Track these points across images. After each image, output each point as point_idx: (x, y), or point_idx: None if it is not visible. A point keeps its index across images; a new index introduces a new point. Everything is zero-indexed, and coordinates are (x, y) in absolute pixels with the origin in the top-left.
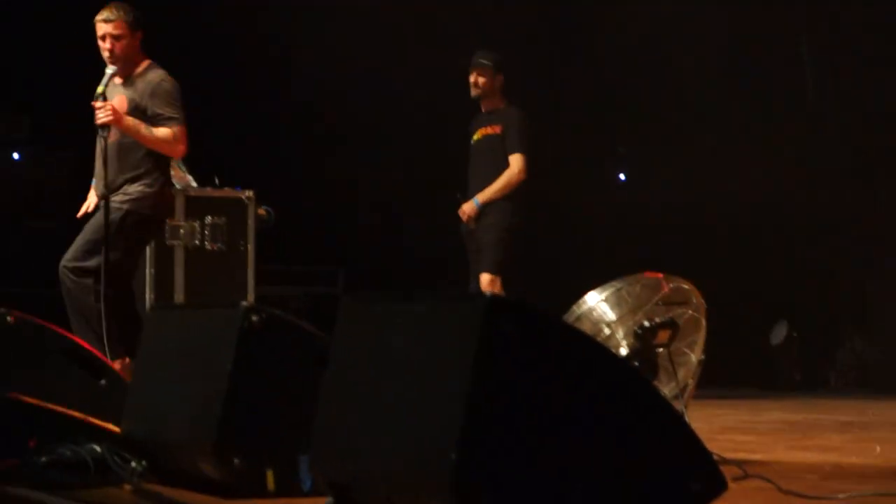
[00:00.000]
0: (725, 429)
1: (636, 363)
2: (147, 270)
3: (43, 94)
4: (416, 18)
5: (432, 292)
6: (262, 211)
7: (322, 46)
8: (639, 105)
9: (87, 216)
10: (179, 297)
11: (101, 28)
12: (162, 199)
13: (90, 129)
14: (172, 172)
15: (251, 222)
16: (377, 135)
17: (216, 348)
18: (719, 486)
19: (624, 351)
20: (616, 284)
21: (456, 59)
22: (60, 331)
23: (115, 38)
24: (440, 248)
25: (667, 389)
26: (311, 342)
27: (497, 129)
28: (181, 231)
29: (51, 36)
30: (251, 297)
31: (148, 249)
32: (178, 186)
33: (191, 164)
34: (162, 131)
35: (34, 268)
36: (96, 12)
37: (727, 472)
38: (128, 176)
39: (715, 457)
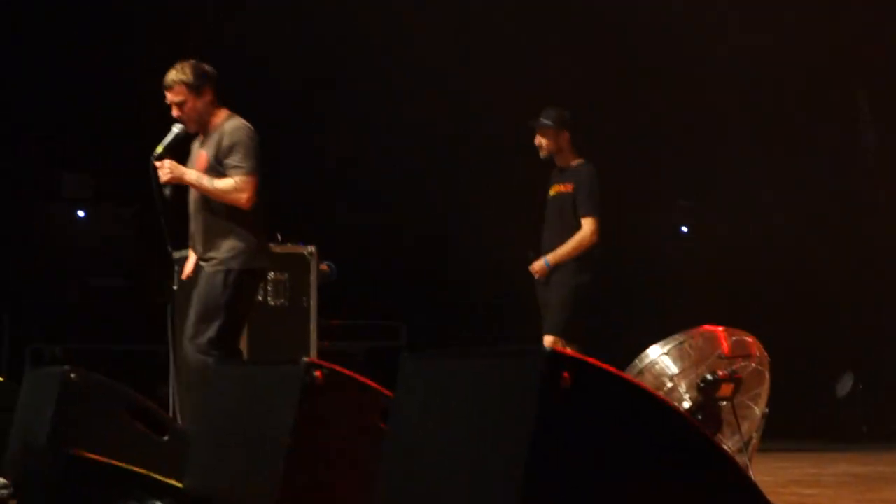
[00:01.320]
0: (790, 482)
1: (699, 417)
2: None
3: (106, 152)
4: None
5: (492, 347)
6: (324, 266)
7: (377, 101)
8: (699, 157)
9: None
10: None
11: (166, 94)
12: (257, 249)
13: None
14: None
15: (313, 278)
16: (438, 190)
17: (278, 404)
18: None
19: (687, 404)
20: (678, 338)
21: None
22: (123, 387)
23: (178, 104)
24: (505, 303)
25: (730, 443)
26: (373, 398)
27: (569, 188)
28: None
29: (113, 94)
30: (313, 352)
31: None
32: None
33: None
34: (223, 182)
35: (97, 324)
36: (159, 69)
37: None
38: (216, 233)
39: None
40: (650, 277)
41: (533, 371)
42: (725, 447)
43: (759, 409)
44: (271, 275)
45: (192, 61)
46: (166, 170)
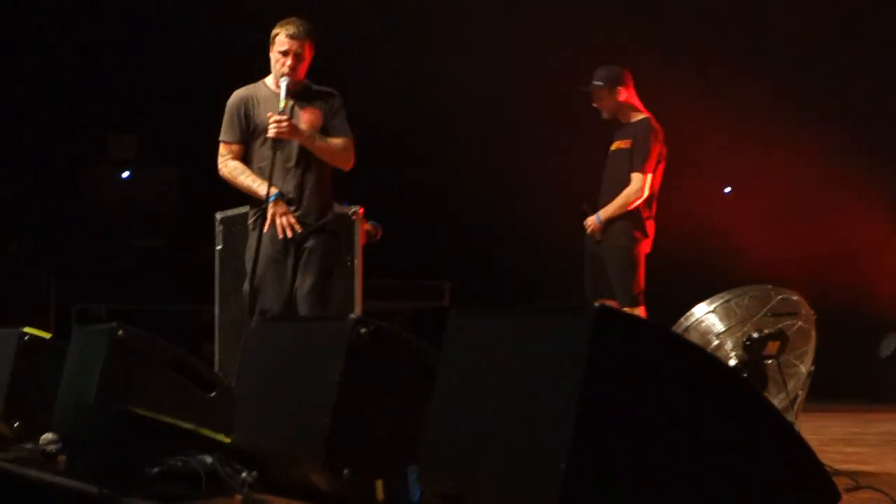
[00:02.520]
0: (834, 440)
1: (745, 374)
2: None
3: (151, 114)
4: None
5: (540, 304)
6: (369, 226)
7: (422, 59)
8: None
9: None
10: None
11: (287, 42)
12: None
13: (194, 148)
14: None
15: (358, 238)
16: (485, 147)
17: (324, 360)
18: (832, 497)
19: (733, 362)
20: (725, 296)
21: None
22: (170, 344)
23: (298, 56)
24: (549, 261)
25: (776, 401)
26: (419, 355)
27: (627, 144)
28: None
29: (158, 56)
30: (359, 311)
31: None
32: None
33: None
34: (336, 142)
35: (142, 284)
36: (203, 32)
37: (838, 483)
38: (318, 192)
39: (826, 468)
40: (695, 237)
41: (582, 327)
42: None
43: (804, 368)
44: None
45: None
46: (287, 124)
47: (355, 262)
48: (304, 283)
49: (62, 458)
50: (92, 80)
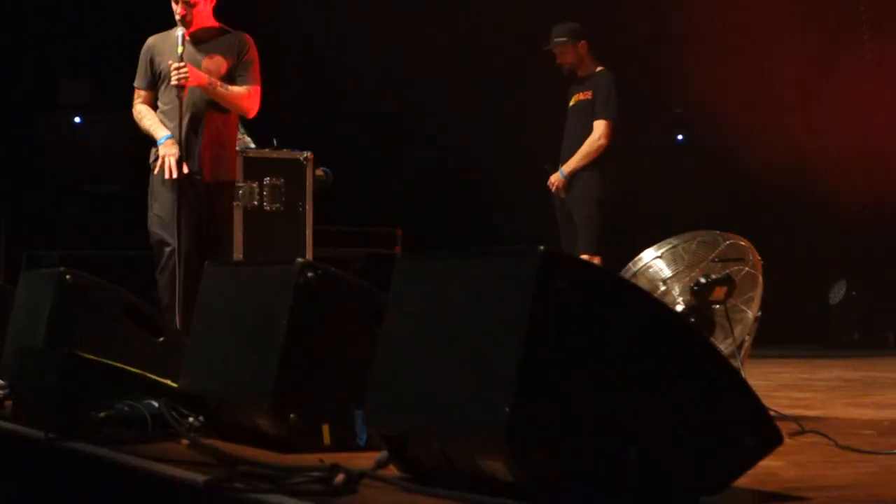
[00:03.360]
0: (783, 386)
1: (692, 320)
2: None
3: (103, 59)
4: None
5: (487, 248)
6: (319, 172)
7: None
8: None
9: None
10: (238, 256)
11: None
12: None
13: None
14: None
15: (309, 183)
16: (438, 92)
17: (272, 305)
18: (775, 440)
19: (680, 307)
20: (672, 241)
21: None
22: (119, 289)
23: (188, 4)
24: (509, 214)
25: (723, 346)
26: (368, 298)
27: (588, 95)
28: (240, 192)
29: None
30: (309, 255)
31: None
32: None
33: (249, 125)
34: (239, 89)
35: (94, 231)
36: None
37: (784, 427)
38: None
39: (771, 412)
40: (646, 184)
41: (528, 270)
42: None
43: (751, 313)
44: (267, 179)
45: None
46: (186, 71)
47: (307, 207)
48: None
49: (9, 402)
50: (42, 25)
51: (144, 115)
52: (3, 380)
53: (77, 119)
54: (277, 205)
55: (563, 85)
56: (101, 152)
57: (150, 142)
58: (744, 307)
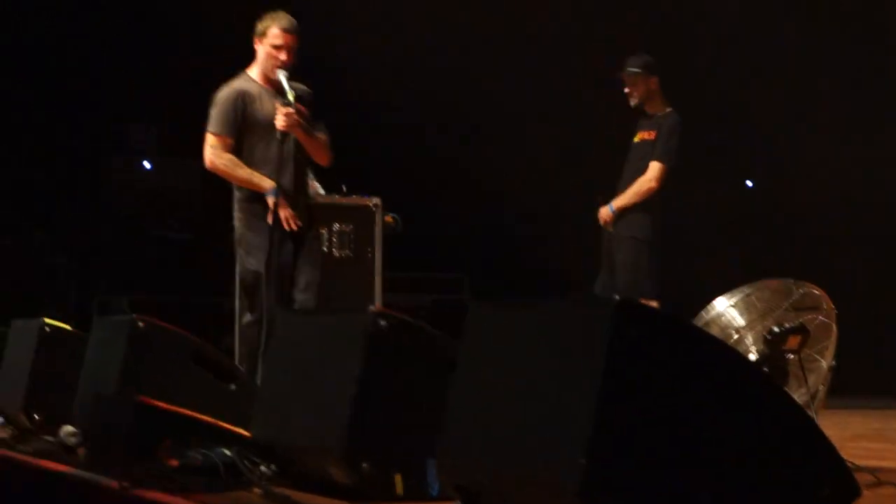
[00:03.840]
0: (857, 436)
1: (765, 369)
2: None
3: (171, 104)
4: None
5: (560, 297)
6: (388, 218)
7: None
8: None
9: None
10: None
11: (284, 37)
12: None
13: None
14: None
15: (378, 229)
16: (506, 139)
17: (345, 353)
18: (852, 492)
19: (753, 356)
20: (745, 290)
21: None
22: (190, 336)
23: (292, 51)
24: (569, 253)
25: (797, 396)
26: (439, 347)
27: (652, 136)
28: None
29: (178, 46)
30: (378, 303)
31: None
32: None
33: (318, 171)
34: (322, 136)
35: (163, 275)
36: (226, 21)
37: (859, 479)
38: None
39: (847, 463)
40: (718, 229)
41: (602, 320)
42: None
43: (825, 363)
44: (336, 226)
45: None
46: (295, 115)
47: (375, 253)
48: (301, 279)
49: (82, 450)
50: (112, 70)
51: (238, 164)
52: (76, 427)
53: (146, 164)
54: (346, 251)
55: (628, 121)
56: (170, 196)
57: (218, 186)
58: (818, 356)
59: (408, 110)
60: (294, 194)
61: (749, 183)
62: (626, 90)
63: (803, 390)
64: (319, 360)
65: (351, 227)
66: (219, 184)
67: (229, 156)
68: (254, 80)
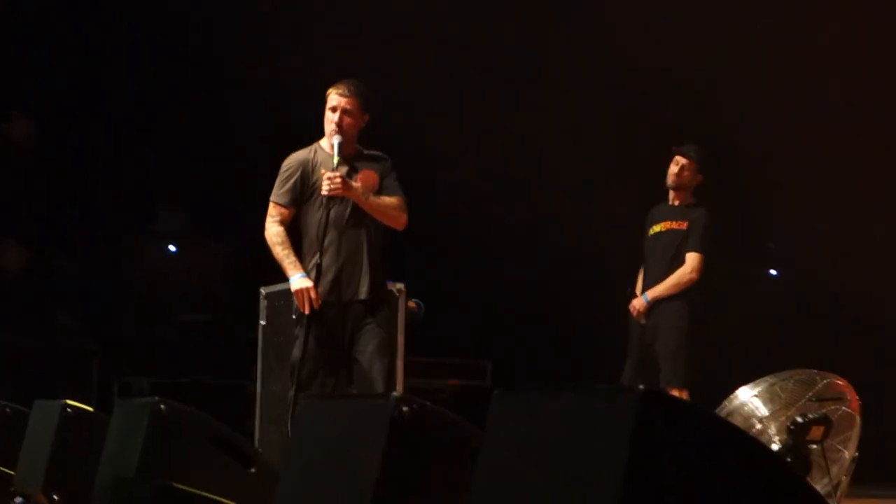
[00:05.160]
0: None
1: (789, 459)
2: None
3: (199, 190)
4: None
5: (585, 384)
6: (412, 304)
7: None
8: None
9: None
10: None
11: (337, 101)
12: None
13: (242, 223)
14: None
15: (401, 315)
16: (526, 229)
17: (367, 439)
18: None
19: (776, 447)
20: (769, 380)
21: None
22: (211, 419)
23: (347, 113)
24: (593, 340)
25: (819, 486)
26: (462, 434)
27: (684, 225)
28: None
29: (207, 131)
30: (400, 388)
31: None
32: None
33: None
34: (391, 199)
35: (188, 359)
36: (254, 106)
37: None
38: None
39: None
40: (739, 319)
41: (627, 409)
42: None
43: (848, 453)
44: None
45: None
46: (339, 181)
47: (398, 339)
48: (365, 353)
49: None
50: (142, 155)
51: (280, 241)
52: None
53: (172, 247)
54: None
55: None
56: (194, 280)
57: (243, 267)
58: (840, 447)
59: (433, 198)
60: (353, 261)
61: (773, 272)
62: (672, 168)
63: (826, 480)
64: (341, 444)
65: None
66: (243, 268)
67: (278, 229)
68: (322, 149)
